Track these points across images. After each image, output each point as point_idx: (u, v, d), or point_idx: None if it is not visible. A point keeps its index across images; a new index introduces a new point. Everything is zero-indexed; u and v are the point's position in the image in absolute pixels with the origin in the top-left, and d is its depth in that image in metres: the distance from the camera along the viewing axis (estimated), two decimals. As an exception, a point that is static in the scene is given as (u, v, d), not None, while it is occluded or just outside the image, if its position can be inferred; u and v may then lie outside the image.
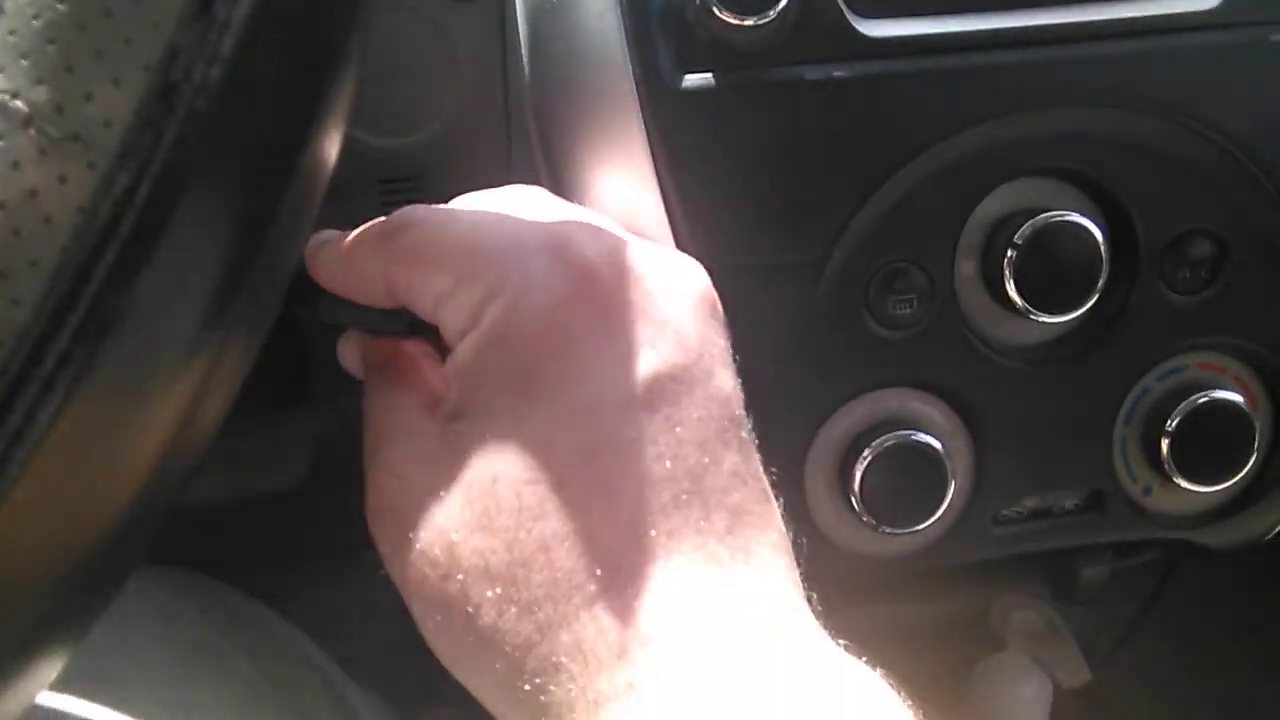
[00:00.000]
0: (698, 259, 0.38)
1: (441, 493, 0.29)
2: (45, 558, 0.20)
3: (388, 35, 0.44)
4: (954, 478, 0.42)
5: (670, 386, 0.29)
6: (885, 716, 0.27)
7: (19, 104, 0.17)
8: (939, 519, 0.42)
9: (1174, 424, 0.43)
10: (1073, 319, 0.42)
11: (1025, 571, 0.50)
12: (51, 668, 0.23)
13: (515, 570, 0.27)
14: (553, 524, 0.28)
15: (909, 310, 0.41)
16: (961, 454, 0.43)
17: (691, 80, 0.39)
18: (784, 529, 0.31)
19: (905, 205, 0.40)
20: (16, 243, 0.17)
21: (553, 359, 0.29)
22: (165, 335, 0.19)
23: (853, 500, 0.42)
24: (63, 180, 0.17)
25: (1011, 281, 0.41)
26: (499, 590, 0.27)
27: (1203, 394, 0.43)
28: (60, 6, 0.17)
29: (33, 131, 0.17)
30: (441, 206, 0.33)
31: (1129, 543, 0.47)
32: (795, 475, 0.42)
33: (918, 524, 0.42)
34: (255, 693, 0.42)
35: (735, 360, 0.31)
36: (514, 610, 0.27)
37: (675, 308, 0.30)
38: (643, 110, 0.39)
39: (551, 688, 0.27)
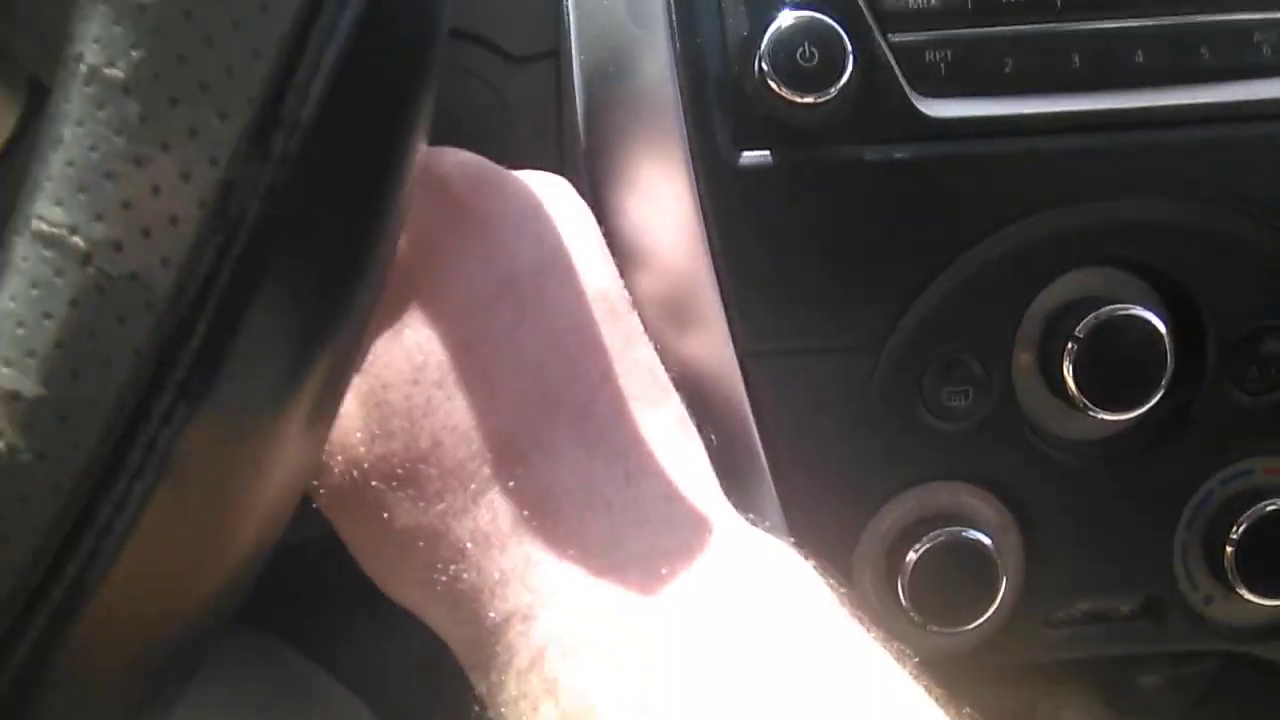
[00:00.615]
0: (749, 341, 0.37)
1: (345, 414, 0.29)
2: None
3: (442, 96, 0.43)
4: (1005, 576, 0.40)
5: (535, 280, 0.31)
6: (788, 579, 0.28)
7: (78, 240, 0.16)
8: (989, 619, 0.40)
9: (1239, 531, 0.41)
10: (1134, 417, 0.40)
11: (1077, 674, 0.48)
12: None
13: (416, 468, 0.29)
14: (440, 418, 0.29)
15: (964, 402, 0.40)
16: (1013, 552, 0.42)
17: (749, 157, 0.38)
18: (683, 412, 0.32)
19: (964, 293, 0.39)
20: (74, 384, 0.17)
21: (424, 268, 0.30)
22: (222, 475, 0.19)
23: (900, 596, 0.40)
24: (120, 320, 0.17)
25: (1071, 376, 0.39)
26: (407, 490, 0.29)
27: (1270, 501, 0.41)
28: (117, 140, 0.16)
29: (91, 270, 0.17)
30: None
31: (1186, 651, 0.45)
32: (843, 568, 0.40)
33: (967, 623, 0.40)
34: None
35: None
36: (421, 505, 0.29)
37: (536, 209, 0.32)
38: (698, 185, 0.38)
39: (464, 575, 0.28)
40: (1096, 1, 0.39)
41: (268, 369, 0.18)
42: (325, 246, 0.19)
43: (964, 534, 0.40)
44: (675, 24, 0.39)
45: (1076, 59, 0.39)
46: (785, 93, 0.37)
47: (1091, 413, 0.40)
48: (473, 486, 0.29)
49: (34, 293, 0.16)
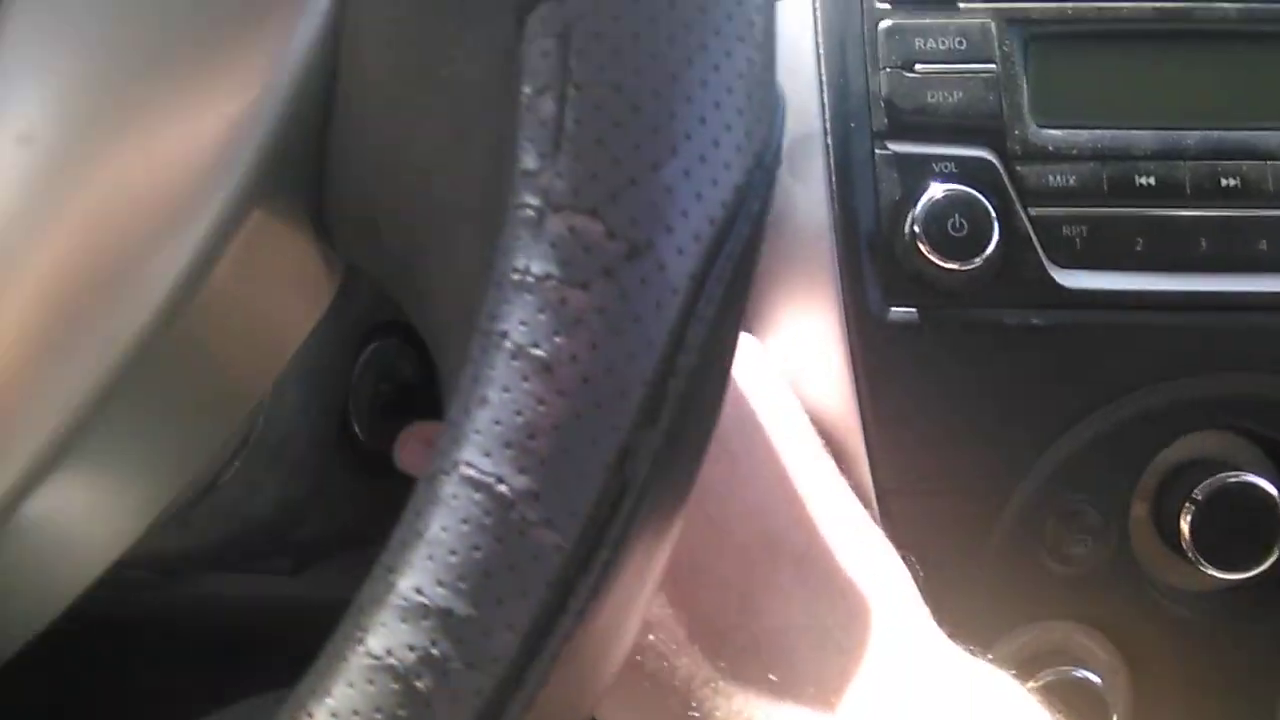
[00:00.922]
0: (888, 478, 0.41)
1: None
2: None
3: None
4: (1115, 716, 0.43)
5: (744, 433, 0.34)
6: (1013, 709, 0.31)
7: (504, 489, 0.20)
8: (1096, 758, 0.43)
9: (1343, 693, 0.43)
10: (1247, 577, 0.43)
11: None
12: None
13: (664, 613, 0.32)
14: (683, 567, 0.32)
15: (1084, 549, 0.43)
16: (1123, 692, 0.44)
17: (897, 313, 0.42)
18: (884, 541, 0.35)
19: (1088, 449, 0.42)
20: (497, 609, 0.20)
21: None
22: (595, 663, 0.22)
23: (1012, 728, 0.43)
24: (535, 558, 0.20)
25: (1187, 534, 0.42)
26: (659, 635, 0.32)
27: (1374, 666, 0.43)
28: (540, 408, 0.20)
29: (514, 515, 0.20)
30: None
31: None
32: (957, 694, 0.43)
33: (1074, 760, 0.43)
34: None
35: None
36: (674, 648, 0.31)
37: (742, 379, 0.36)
38: (849, 334, 0.42)
39: (715, 712, 0.31)
40: (1223, 191, 0.43)
41: (638, 579, 0.22)
42: (686, 479, 0.23)
43: (1075, 672, 0.43)
44: (834, 185, 0.44)
45: (1204, 243, 0.42)
46: (934, 258, 0.41)
47: (1204, 569, 0.42)
48: (719, 626, 0.31)
49: (464, 528, 0.19)
